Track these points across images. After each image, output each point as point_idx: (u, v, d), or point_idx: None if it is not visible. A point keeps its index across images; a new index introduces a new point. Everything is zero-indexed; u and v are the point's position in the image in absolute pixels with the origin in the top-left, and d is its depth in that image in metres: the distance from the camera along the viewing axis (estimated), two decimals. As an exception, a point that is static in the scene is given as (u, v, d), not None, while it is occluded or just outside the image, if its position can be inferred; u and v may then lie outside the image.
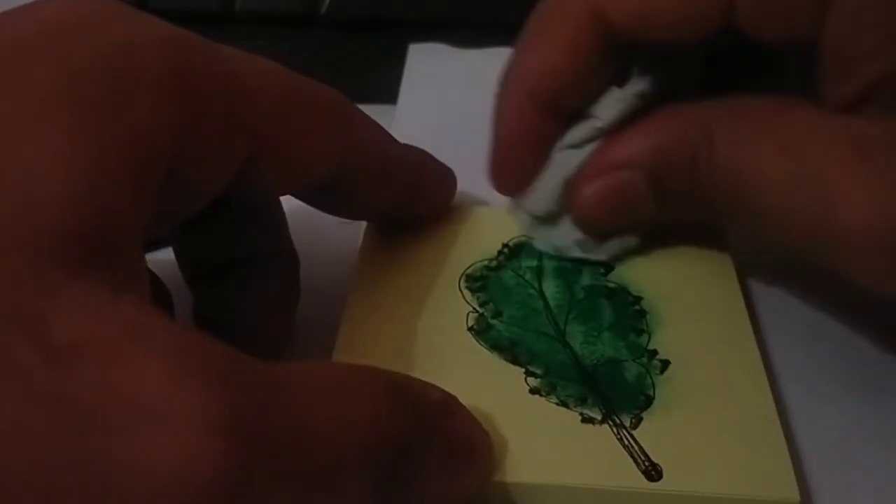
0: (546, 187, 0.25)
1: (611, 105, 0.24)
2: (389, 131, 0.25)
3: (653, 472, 0.20)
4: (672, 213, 0.25)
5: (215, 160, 0.20)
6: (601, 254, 0.26)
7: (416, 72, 0.36)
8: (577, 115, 0.25)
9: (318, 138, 0.22)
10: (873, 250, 0.20)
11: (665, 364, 0.23)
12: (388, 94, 0.35)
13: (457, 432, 0.20)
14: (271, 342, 0.25)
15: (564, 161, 0.25)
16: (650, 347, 0.23)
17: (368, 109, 0.24)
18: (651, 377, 0.23)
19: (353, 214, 0.26)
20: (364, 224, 0.27)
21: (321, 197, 0.24)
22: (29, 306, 0.15)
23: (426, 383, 0.20)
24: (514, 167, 0.25)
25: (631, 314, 0.24)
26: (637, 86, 0.24)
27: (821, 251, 0.22)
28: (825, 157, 0.21)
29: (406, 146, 0.26)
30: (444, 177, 0.27)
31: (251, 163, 0.20)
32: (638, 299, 0.25)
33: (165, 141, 0.18)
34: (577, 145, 0.25)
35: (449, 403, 0.20)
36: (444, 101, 0.34)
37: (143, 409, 0.14)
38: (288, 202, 0.26)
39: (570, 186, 0.25)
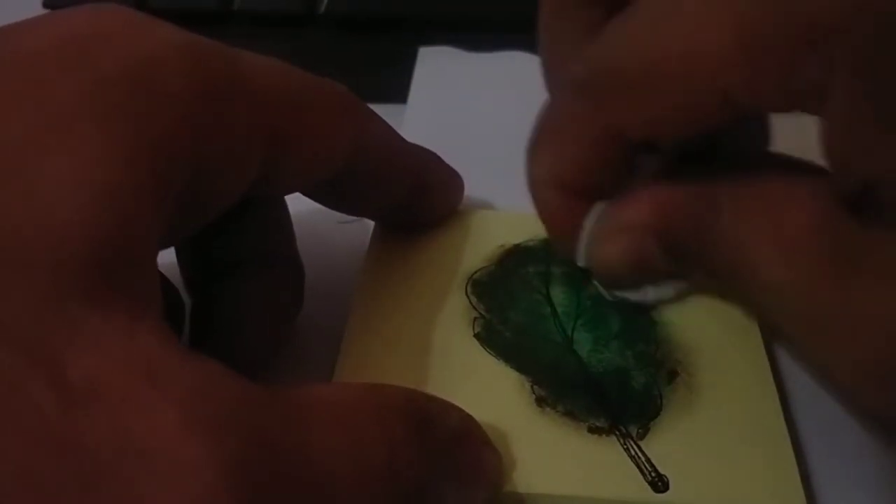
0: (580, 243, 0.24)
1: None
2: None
3: (659, 483, 0.20)
4: (692, 275, 0.24)
5: (237, 165, 0.19)
6: (644, 298, 0.25)
7: (426, 75, 0.36)
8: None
9: (332, 133, 0.22)
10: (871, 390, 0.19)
11: (673, 374, 0.23)
12: (387, 94, 0.35)
13: (471, 457, 0.19)
14: (267, 347, 0.24)
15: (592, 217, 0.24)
16: (658, 357, 0.23)
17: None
18: (659, 387, 0.22)
19: (357, 210, 0.26)
20: (368, 226, 0.27)
21: (327, 192, 0.24)
22: (45, 341, 0.14)
23: (444, 404, 0.19)
24: (563, 241, 0.25)
25: (639, 323, 0.24)
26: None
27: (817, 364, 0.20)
28: (821, 265, 0.19)
29: (413, 144, 0.25)
30: (451, 177, 0.27)
31: (269, 163, 0.20)
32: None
33: (188, 150, 0.18)
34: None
35: (467, 428, 0.20)
36: (454, 105, 0.34)
37: (153, 459, 0.14)
38: (290, 207, 0.25)
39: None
